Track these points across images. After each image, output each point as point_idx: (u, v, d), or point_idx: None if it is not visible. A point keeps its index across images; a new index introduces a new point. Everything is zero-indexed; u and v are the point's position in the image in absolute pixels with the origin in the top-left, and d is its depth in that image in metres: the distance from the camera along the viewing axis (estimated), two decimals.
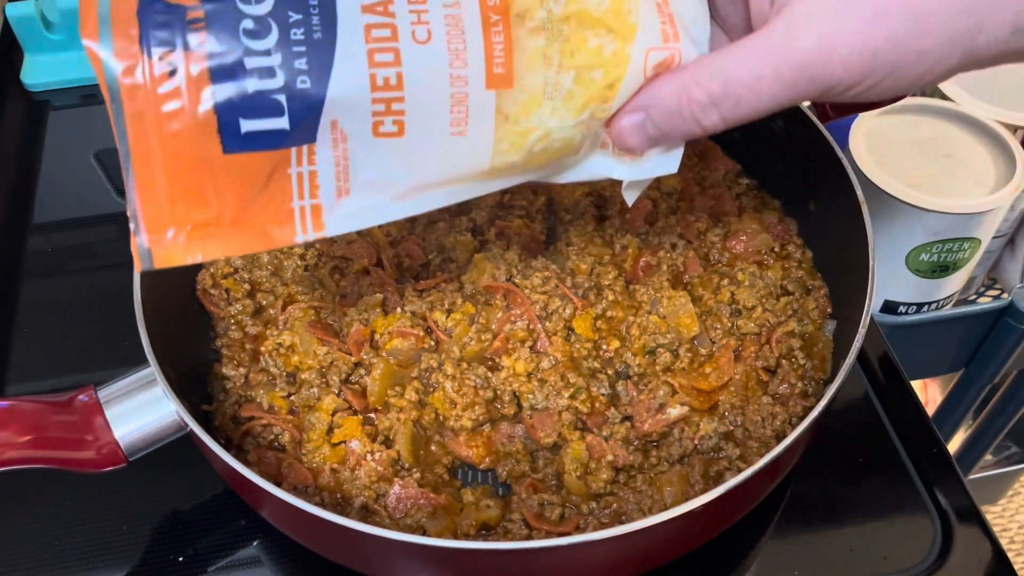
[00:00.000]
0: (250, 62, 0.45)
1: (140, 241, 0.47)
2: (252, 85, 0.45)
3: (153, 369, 0.61)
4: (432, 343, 0.72)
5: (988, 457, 1.32)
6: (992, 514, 1.60)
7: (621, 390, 0.70)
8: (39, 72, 1.07)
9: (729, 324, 0.72)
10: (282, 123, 0.46)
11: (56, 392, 0.65)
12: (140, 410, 0.62)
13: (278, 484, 0.64)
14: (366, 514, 0.64)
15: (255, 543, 0.70)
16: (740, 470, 0.64)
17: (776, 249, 0.78)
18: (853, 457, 0.74)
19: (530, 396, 0.69)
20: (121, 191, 0.98)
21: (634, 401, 0.69)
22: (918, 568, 0.67)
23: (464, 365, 0.70)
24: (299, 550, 0.65)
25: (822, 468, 0.73)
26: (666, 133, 0.52)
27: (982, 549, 0.68)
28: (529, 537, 0.63)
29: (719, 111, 0.48)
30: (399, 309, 0.73)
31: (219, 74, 0.45)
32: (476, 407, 0.68)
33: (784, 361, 0.70)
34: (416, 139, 0.49)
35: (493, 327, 0.72)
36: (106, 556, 0.69)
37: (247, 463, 0.66)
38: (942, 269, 0.94)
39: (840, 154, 0.73)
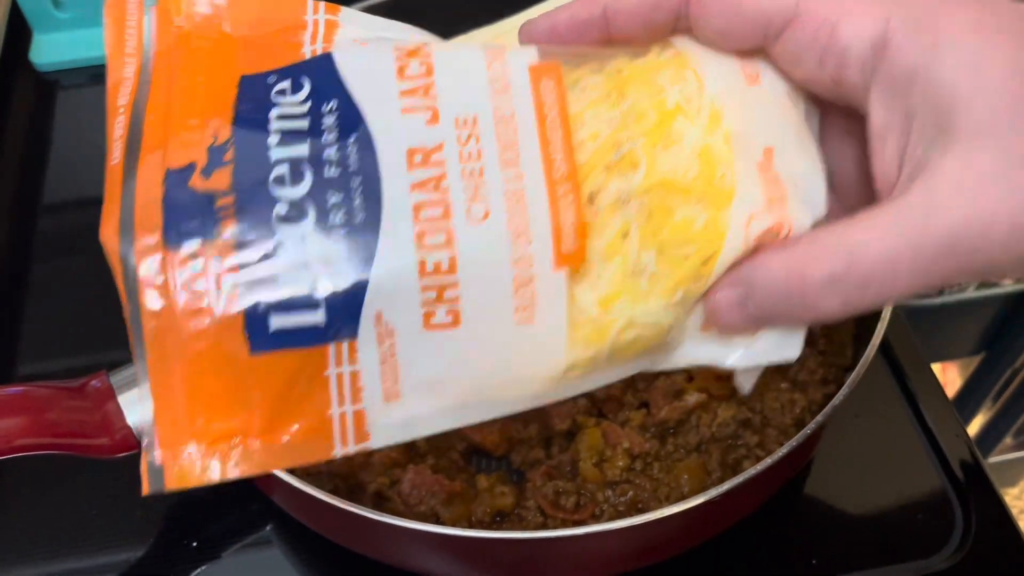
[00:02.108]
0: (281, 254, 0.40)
1: (152, 458, 0.41)
2: (283, 281, 0.40)
3: None
4: None
5: (1008, 440, 1.31)
6: (1011, 496, 1.59)
7: (637, 376, 0.69)
8: (48, 52, 1.06)
9: None
10: (317, 317, 0.40)
11: (67, 374, 0.64)
12: None
13: (291, 470, 0.63)
14: (380, 501, 0.64)
15: (268, 528, 0.70)
16: (759, 458, 0.63)
17: None
18: (873, 443, 0.73)
19: None
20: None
21: (650, 387, 0.68)
22: (939, 556, 0.66)
23: None
24: (312, 535, 0.65)
25: (840, 454, 0.72)
26: (770, 316, 0.43)
27: (1004, 538, 0.67)
28: (544, 524, 0.62)
29: (841, 295, 0.39)
30: None
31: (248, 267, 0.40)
32: None
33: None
34: (475, 329, 0.42)
35: None
36: (120, 541, 0.69)
37: None
38: None
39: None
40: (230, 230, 0.40)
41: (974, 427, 1.28)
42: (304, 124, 0.41)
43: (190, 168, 0.40)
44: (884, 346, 0.79)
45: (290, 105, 0.42)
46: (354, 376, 0.41)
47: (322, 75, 0.43)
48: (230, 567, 0.68)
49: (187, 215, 0.40)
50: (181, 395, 0.41)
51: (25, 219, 0.93)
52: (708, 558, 0.66)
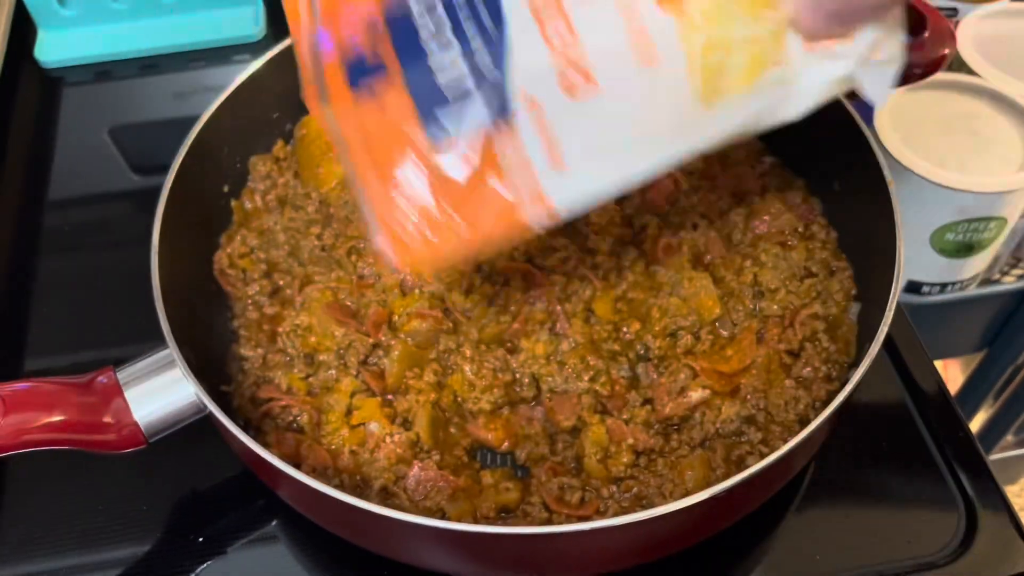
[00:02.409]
0: (435, 61, 0.50)
1: (378, 242, 0.52)
2: (443, 78, 0.50)
3: (172, 351, 0.61)
4: (450, 325, 0.71)
5: (1009, 437, 1.31)
6: (1012, 493, 1.59)
7: (641, 373, 0.69)
8: (53, 49, 1.06)
9: (752, 306, 0.71)
10: (476, 103, 0.49)
11: (74, 369, 0.65)
12: (159, 392, 0.62)
13: (297, 466, 0.64)
14: (385, 496, 0.64)
15: (274, 523, 0.70)
16: (762, 455, 0.63)
17: (800, 229, 0.76)
18: (876, 439, 0.73)
19: (549, 379, 0.68)
20: (136, 167, 0.97)
21: (655, 384, 0.68)
22: (942, 553, 0.67)
23: (483, 347, 0.70)
24: (318, 531, 0.65)
25: (844, 451, 0.72)
26: (848, 6, 0.47)
27: (1006, 534, 0.68)
28: (548, 520, 0.63)
29: None
30: (417, 290, 0.72)
31: (412, 83, 0.50)
32: (495, 389, 0.68)
33: (807, 344, 0.69)
34: (612, 86, 0.49)
35: (512, 308, 0.71)
36: (126, 536, 0.69)
37: (266, 445, 0.66)
38: (967, 248, 0.92)
39: (866, 132, 0.71)
40: (393, 64, 0.51)
41: (976, 424, 1.28)
42: None
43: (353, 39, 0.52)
44: (887, 343, 0.79)
45: None
46: (521, 156, 0.50)
47: None
48: (236, 562, 0.68)
49: (358, 60, 0.51)
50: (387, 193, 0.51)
51: (31, 215, 0.94)
52: (712, 554, 0.67)
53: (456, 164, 0.50)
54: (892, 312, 0.62)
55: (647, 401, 0.68)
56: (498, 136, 0.49)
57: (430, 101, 0.50)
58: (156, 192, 0.69)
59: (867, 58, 0.51)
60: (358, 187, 0.52)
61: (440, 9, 0.51)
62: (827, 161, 0.77)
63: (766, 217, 0.76)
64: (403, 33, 0.51)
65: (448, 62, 0.50)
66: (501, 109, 0.49)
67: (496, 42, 0.49)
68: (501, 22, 0.49)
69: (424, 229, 0.51)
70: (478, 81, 0.49)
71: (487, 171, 0.50)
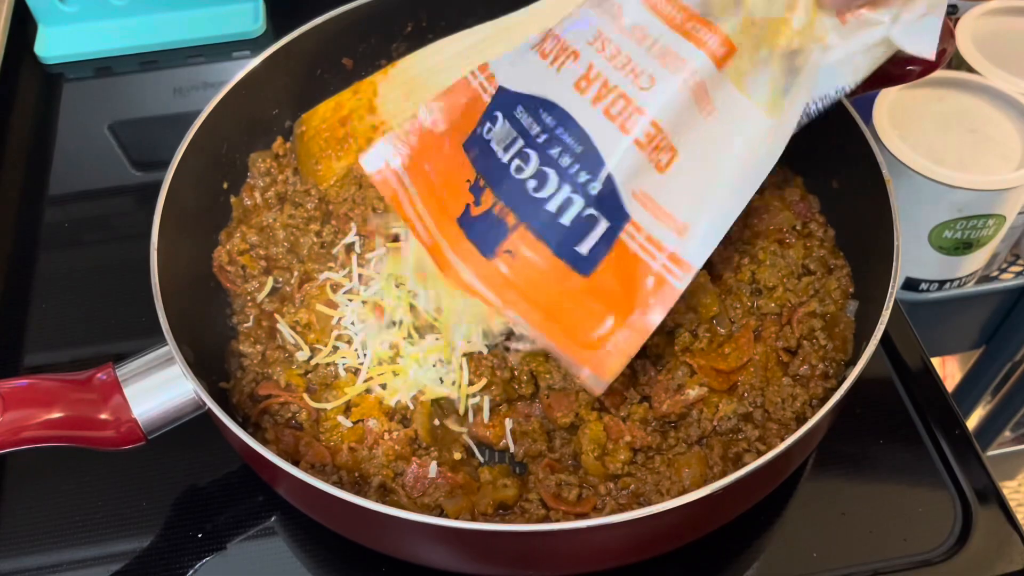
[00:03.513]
0: (551, 205, 0.56)
1: (585, 376, 0.58)
2: (567, 219, 0.56)
3: (171, 348, 0.61)
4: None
5: (1007, 434, 1.31)
6: (1009, 489, 1.59)
7: (639, 370, 0.69)
8: (53, 45, 1.06)
9: (749, 304, 0.72)
10: (601, 223, 0.56)
11: (74, 364, 0.65)
12: (158, 388, 0.62)
13: (296, 462, 0.64)
14: (384, 493, 0.64)
15: (273, 519, 0.70)
16: (759, 452, 0.64)
17: (798, 227, 0.76)
18: (872, 437, 0.73)
19: (547, 376, 0.68)
20: (136, 163, 0.97)
21: (652, 381, 0.68)
22: (938, 550, 0.67)
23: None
24: (317, 526, 0.65)
25: (841, 448, 0.72)
26: None
27: (1002, 532, 0.68)
28: (546, 517, 0.63)
29: None
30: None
31: (541, 230, 0.56)
32: (493, 387, 0.68)
33: (805, 342, 0.69)
34: (689, 149, 0.55)
35: None
36: (126, 532, 0.69)
37: (265, 441, 0.66)
38: (965, 246, 0.92)
39: (864, 129, 0.71)
40: (512, 220, 0.57)
41: (974, 420, 1.28)
42: (512, 131, 0.58)
43: (467, 208, 0.59)
44: (884, 341, 0.79)
45: (497, 131, 0.59)
46: (648, 239, 0.56)
47: (502, 100, 0.60)
48: (235, 557, 0.68)
49: (483, 232, 0.58)
50: (564, 327, 0.57)
51: (30, 211, 0.94)
52: (709, 551, 0.67)
53: (607, 278, 0.56)
54: (890, 310, 0.62)
55: (645, 398, 0.68)
56: (626, 235, 0.56)
57: (566, 241, 0.56)
58: (156, 188, 0.69)
59: (901, 16, 0.56)
60: (539, 335, 0.58)
61: (520, 142, 0.58)
62: (825, 159, 0.77)
63: (764, 215, 0.76)
64: (505, 181, 0.58)
65: (562, 198, 0.56)
66: (621, 216, 0.55)
67: (586, 153, 0.55)
68: (578, 128, 0.55)
69: (618, 345, 0.57)
70: (593, 203, 0.55)
71: (630, 268, 0.56)
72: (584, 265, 0.56)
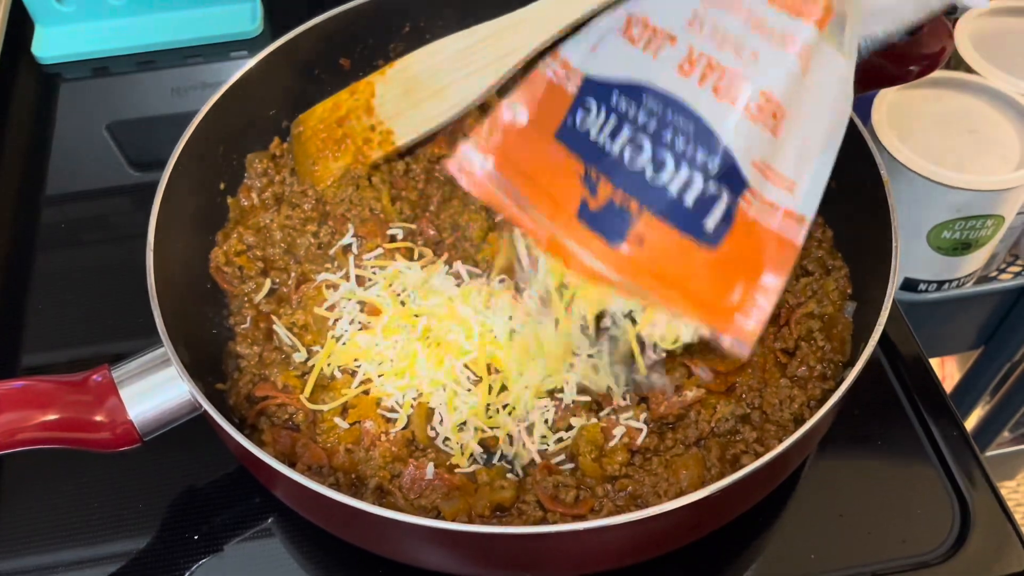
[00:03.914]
0: (673, 188, 0.57)
1: (728, 344, 0.57)
2: (690, 199, 0.56)
3: (167, 349, 0.61)
4: None
5: (1005, 434, 1.31)
6: (1007, 489, 1.59)
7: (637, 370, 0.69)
8: (50, 45, 1.06)
9: None
10: (724, 198, 0.56)
11: (70, 364, 0.65)
12: (154, 390, 0.62)
13: (293, 464, 0.64)
14: (381, 495, 0.64)
15: (270, 520, 0.70)
16: (757, 454, 0.63)
17: None
18: (870, 438, 0.73)
19: None
20: (133, 163, 0.97)
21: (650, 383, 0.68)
22: (936, 551, 0.67)
23: None
24: (314, 528, 0.65)
25: (839, 449, 0.72)
26: None
27: (1001, 533, 0.68)
28: (543, 519, 0.63)
29: None
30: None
31: (665, 213, 0.57)
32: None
33: (803, 343, 0.69)
34: (793, 105, 0.56)
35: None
36: (122, 533, 0.69)
37: (261, 443, 0.66)
38: (964, 246, 0.92)
39: (863, 130, 0.71)
40: (636, 206, 0.57)
41: (973, 420, 1.28)
42: (613, 119, 0.58)
43: (584, 202, 0.59)
44: (883, 341, 0.79)
45: (593, 120, 0.59)
46: (766, 203, 0.57)
47: (592, 88, 0.60)
48: (232, 559, 0.68)
49: (607, 222, 0.58)
50: (700, 301, 0.58)
51: (27, 211, 0.94)
52: (707, 552, 0.67)
53: (733, 247, 0.57)
54: (887, 311, 0.62)
55: (642, 400, 0.68)
56: (745, 203, 0.57)
57: (691, 220, 0.57)
58: (153, 188, 0.69)
59: None
60: (676, 312, 0.58)
61: (626, 129, 0.58)
62: None
63: None
64: (619, 170, 0.58)
65: (682, 180, 0.56)
66: (740, 186, 0.56)
67: (699, 133, 0.56)
68: (688, 110, 0.56)
69: (753, 308, 0.57)
70: (713, 180, 0.56)
71: (753, 233, 0.57)
72: (711, 239, 0.57)
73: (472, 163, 0.63)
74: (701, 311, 0.58)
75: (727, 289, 0.58)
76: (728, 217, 0.57)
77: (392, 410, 0.68)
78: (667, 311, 0.59)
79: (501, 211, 0.62)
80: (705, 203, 0.57)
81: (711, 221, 0.57)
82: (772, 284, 0.58)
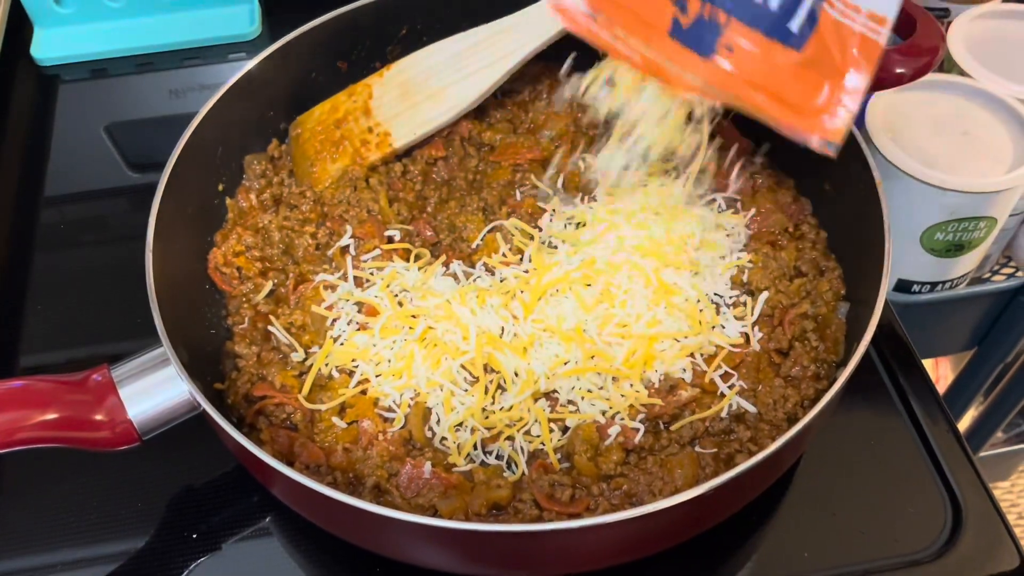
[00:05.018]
0: None
1: (816, 144, 0.63)
2: (774, 3, 0.61)
3: (166, 349, 0.62)
4: None
5: (999, 434, 1.31)
6: (1001, 490, 1.60)
7: None
8: (49, 46, 1.07)
9: None
10: (809, 1, 0.61)
11: (69, 365, 0.65)
12: (153, 389, 0.62)
13: (291, 463, 0.64)
14: (378, 494, 0.64)
15: (268, 519, 0.71)
16: (751, 453, 0.64)
17: (790, 229, 0.77)
18: (864, 437, 0.74)
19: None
20: (132, 165, 0.97)
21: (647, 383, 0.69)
22: (928, 550, 0.67)
23: None
24: (312, 527, 0.65)
25: (832, 449, 0.73)
26: None
27: (993, 532, 0.68)
28: (539, 517, 0.63)
29: None
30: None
31: (752, 19, 0.62)
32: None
33: (797, 343, 0.70)
34: None
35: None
36: (121, 533, 0.70)
37: (259, 442, 0.66)
38: (957, 248, 0.93)
39: (856, 132, 0.72)
40: (724, 17, 0.62)
41: (966, 421, 1.29)
42: None
43: (675, 20, 0.63)
44: (876, 342, 0.79)
45: None
46: (849, 5, 0.61)
47: None
48: (230, 558, 0.69)
49: (698, 36, 0.63)
50: (788, 103, 0.63)
51: (26, 212, 0.94)
52: (701, 551, 0.67)
53: (818, 48, 0.62)
54: (880, 311, 0.62)
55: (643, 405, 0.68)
56: (827, 6, 0.61)
57: (777, 24, 0.61)
58: (152, 189, 0.70)
59: None
60: (766, 115, 0.63)
61: None
62: (818, 162, 0.76)
63: (757, 217, 0.77)
64: None
65: None
66: None
67: None
68: None
69: (840, 107, 0.62)
70: None
71: (837, 34, 0.62)
72: (796, 40, 0.62)
73: (566, 3, 0.66)
74: (789, 114, 0.62)
75: (815, 90, 0.62)
76: (812, 18, 0.62)
77: (389, 410, 0.68)
78: (757, 116, 0.63)
79: (597, 44, 0.66)
80: (789, 6, 0.61)
81: (796, 23, 0.62)
82: (857, 84, 0.62)
